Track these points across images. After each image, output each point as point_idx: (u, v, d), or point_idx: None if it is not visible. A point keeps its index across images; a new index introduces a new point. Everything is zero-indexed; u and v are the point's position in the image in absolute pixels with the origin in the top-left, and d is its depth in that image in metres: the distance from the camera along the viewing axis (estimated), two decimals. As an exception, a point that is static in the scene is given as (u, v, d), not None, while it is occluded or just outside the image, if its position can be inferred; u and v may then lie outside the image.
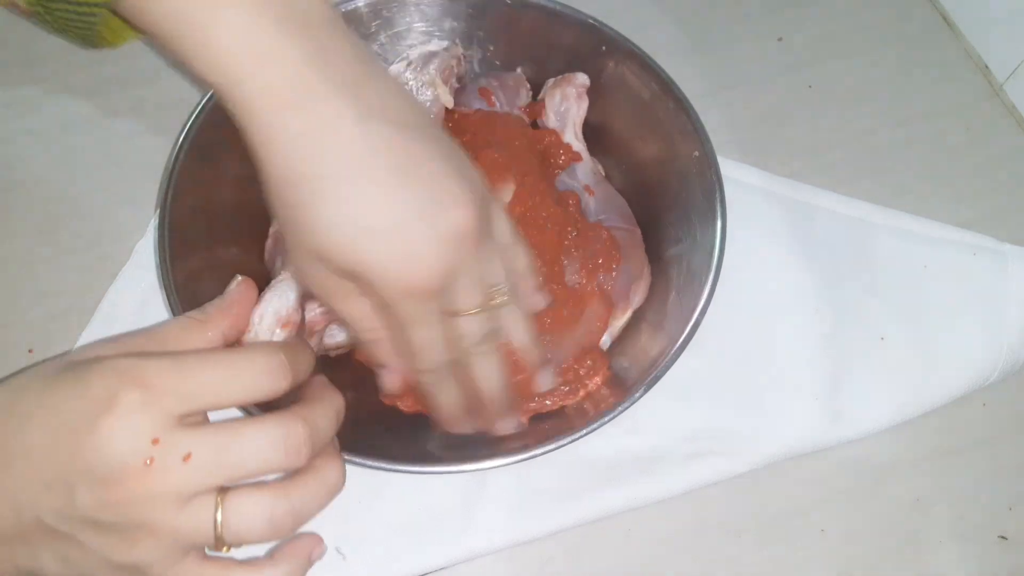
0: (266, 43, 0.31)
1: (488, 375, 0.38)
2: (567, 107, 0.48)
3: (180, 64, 0.33)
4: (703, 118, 0.45)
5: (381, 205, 0.32)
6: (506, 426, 0.41)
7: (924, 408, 0.47)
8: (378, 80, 0.33)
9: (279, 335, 0.38)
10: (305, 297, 0.40)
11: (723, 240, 0.42)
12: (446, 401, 0.39)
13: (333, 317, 0.42)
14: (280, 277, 0.41)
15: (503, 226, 0.38)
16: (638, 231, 0.47)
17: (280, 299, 0.39)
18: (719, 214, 0.43)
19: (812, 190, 0.53)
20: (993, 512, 0.46)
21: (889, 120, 0.57)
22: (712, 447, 0.45)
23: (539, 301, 0.41)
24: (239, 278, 0.38)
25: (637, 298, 0.45)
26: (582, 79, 0.48)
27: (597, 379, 0.43)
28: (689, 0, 0.61)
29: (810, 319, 0.49)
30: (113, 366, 0.30)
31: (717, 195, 0.43)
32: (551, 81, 0.49)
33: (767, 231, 0.51)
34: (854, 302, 0.49)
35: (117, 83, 0.56)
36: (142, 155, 0.53)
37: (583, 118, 0.49)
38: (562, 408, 0.43)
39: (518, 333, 0.39)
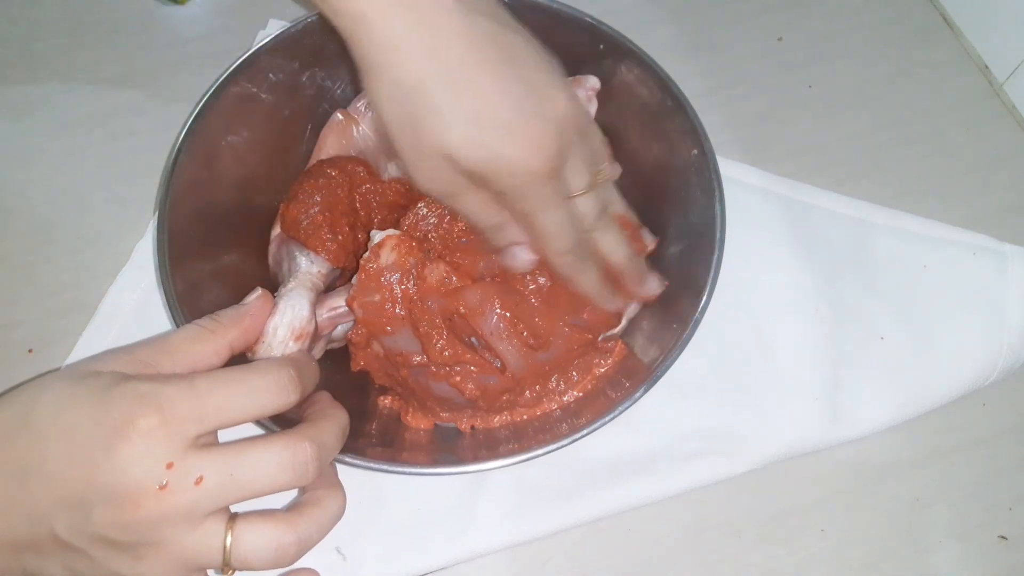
0: None
1: (615, 246, 0.42)
2: None
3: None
4: (703, 118, 0.45)
5: (499, 98, 0.35)
6: (650, 287, 0.44)
7: (924, 408, 0.47)
8: None
9: (292, 347, 0.39)
10: (315, 306, 0.41)
11: (722, 240, 0.42)
12: (589, 279, 0.41)
13: (337, 322, 0.42)
14: (290, 286, 0.41)
15: (584, 111, 0.40)
16: (640, 234, 0.47)
17: (294, 311, 0.39)
18: (718, 213, 0.43)
19: (812, 190, 0.53)
20: (993, 512, 0.46)
21: (889, 120, 0.57)
22: (712, 447, 0.45)
23: (618, 170, 0.43)
24: (259, 291, 0.38)
25: (633, 306, 0.45)
26: (593, 82, 0.48)
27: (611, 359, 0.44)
28: (689, 0, 0.61)
29: (810, 319, 0.49)
30: (132, 390, 0.30)
31: (716, 194, 0.43)
32: None
33: (767, 231, 0.51)
34: (854, 302, 0.49)
35: (117, 83, 0.56)
36: (142, 155, 0.53)
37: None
38: (563, 406, 0.43)
39: (617, 205, 0.43)
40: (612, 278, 0.42)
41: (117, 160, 0.53)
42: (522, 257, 0.41)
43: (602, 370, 0.44)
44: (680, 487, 0.44)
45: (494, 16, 0.36)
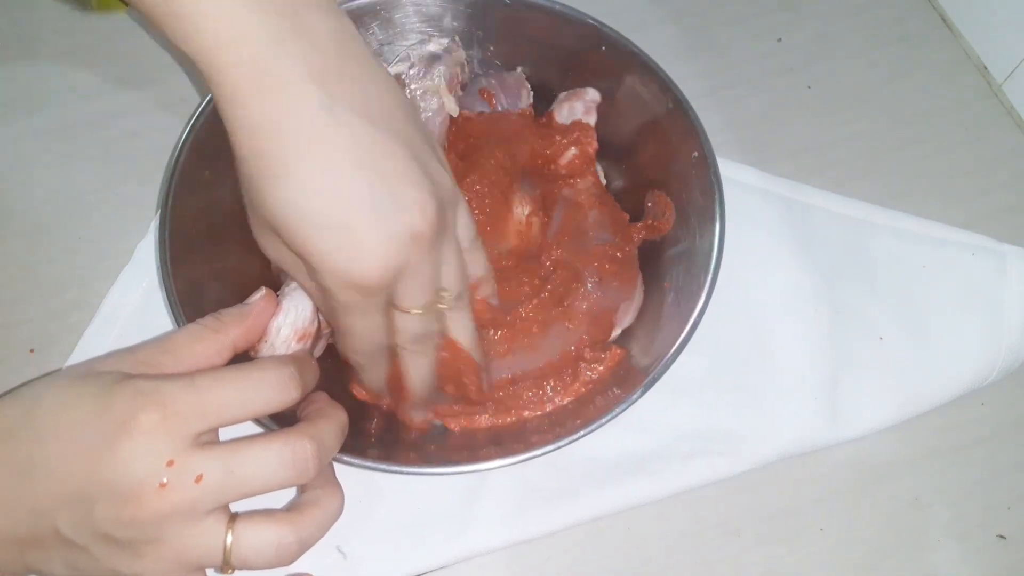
0: (239, 21, 0.30)
1: (416, 373, 0.39)
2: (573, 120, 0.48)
3: (160, 35, 0.33)
4: (703, 118, 0.45)
5: (333, 197, 0.32)
6: (416, 416, 0.42)
7: (923, 408, 0.47)
8: (356, 67, 0.33)
9: (295, 347, 0.39)
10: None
11: (722, 240, 0.42)
12: (368, 380, 0.41)
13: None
14: (293, 285, 0.41)
15: (466, 229, 0.38)
16: (634, 250, 0.47)
17: (297, 311, 0.39)
18: (718, 214, 0.43)
19: (811, 190, 0.53)
20: (992, 511, 0.46)
21: (888, 120, 0.57)
22: (711, 447, 0.45)
23: (493, 303, 0.42)
24: (263, 291, 0.38)
25: (627, 318, 0.45)
26: (592, 95, 0.48)
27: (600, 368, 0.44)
28: (689, 0, 0.61)
29: (809, 319, 0.49)
30: (134, 387, 0.31)
31: (716, 196, 0.43)
32: (563, 94, 0.49)
33: (766, 231, 0.51)
34: (853, 302, 0.49)
35: (117, 83, 0.56)
36: (143, 155, 0.53)
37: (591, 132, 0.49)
38: (562, 407, 0.43)
39: (462, 334, 0.39)
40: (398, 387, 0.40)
41: (119, 161, 0.53)
42: (366, 384, 0.41)
43: (599, 369, 0.44)
44: (679, 487, 0.44)
45: (369, 114, 0.32)
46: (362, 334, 0.36)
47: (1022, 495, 0.46)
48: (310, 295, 0.37)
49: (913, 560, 0.44)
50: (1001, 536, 0.45)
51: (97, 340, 0.47)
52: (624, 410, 0.39)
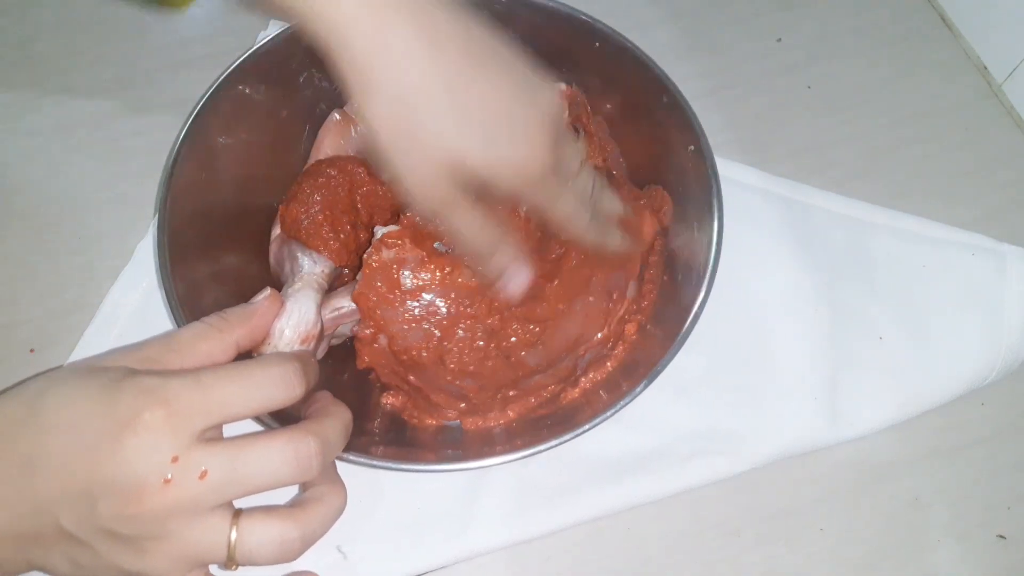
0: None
1: (613, 205, 0.43)
2: None
3: (271, 11, 0.35)
4: (703, 118, 0.45)
5: (497, 101, 0.35)
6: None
7: (923, 408, 0.47)
8: (461, 30, 0.36)
9: (298, 350, 0.39)
10: (321, 307, 0.41)
11: (720, 234, 0.42)
12: (614, 240, 0.43)
13: (339, 322, 0.42)
14: (296, 286, 0.41)
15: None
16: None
17: (301, 314, 0.39)
18: (716, 208, 0.43)
19: (811, 190, 0.53)
20: (992, 511, 0.46)
21: (888, 120, 0.57)
22: (711, 446, 0.45)
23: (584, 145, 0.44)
24: (268, 291, 0.39)
25: (631, 293, 0.45)
26: (562, 87, 0.48)
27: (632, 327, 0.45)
28: (689, 0, 0.61)
29: (809, 319, 0.49)
30: (138, 384, 0.31)
31: (713, 189, 0.43)
32: None
33: (766, 231, 0.51)
34: (853, 302, 0.49)
35: (117, 83, 0.56)
36: (143, 155, 0.53)
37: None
38: (564, 404, 0.43)
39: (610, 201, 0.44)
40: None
41: (118, 160, 0.53)
42: (518, 280, 0.40)
43: (609, 363, 0.44)
44: (679, 486, 0.44)
45: (474, 20, 0.36)
46: (576, 211, 0.40)
47: (1022, 495, 0.46)
48: (478, 239, 0.38)
49: (913, 560, 0.44)
50: (1001, 536, 0.45)
51: (97, 340, 0.47)
52: (624, 406, 0.39)
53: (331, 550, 0.42)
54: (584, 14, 0.47)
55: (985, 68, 0.59)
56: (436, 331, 0.41)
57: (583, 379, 0.44)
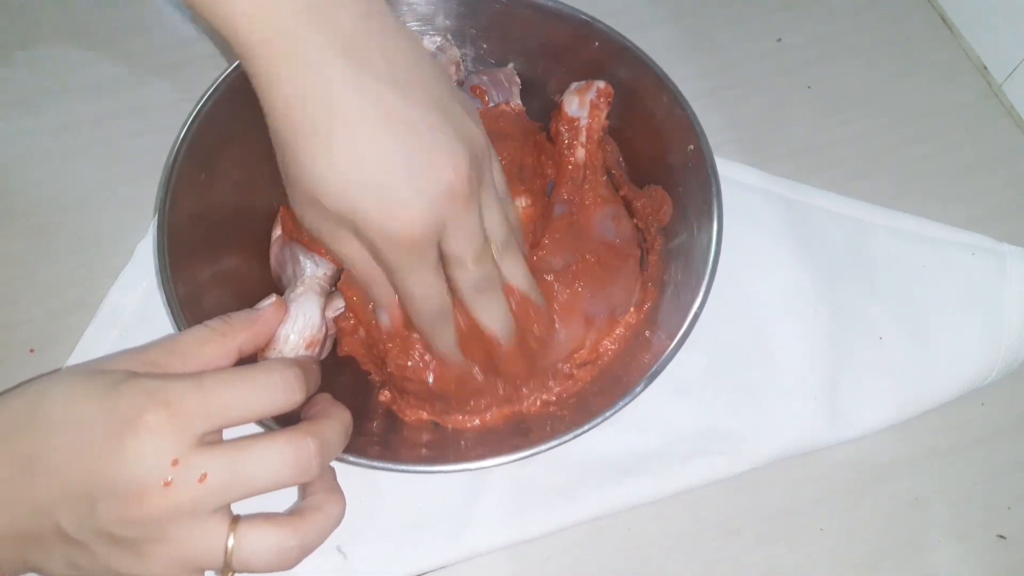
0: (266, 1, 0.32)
1: (491, 314, 0.39)
2: (583, 115, 0.47)
3: (193, 14, 0.34)
4: (703, 119, 0.45)
5: (371, 160, 0.33)
6: (526, 380, 0.42)
7: (922, 408, 0.47)
8: (381, 34, 0.34)
9: (302, 355, 0.39)
10: (326, 311, 0.41)
11: (720, 234, 0.42)
12: (442, 346, 0.40)
13: (341, 323, 0.42)
14: (299, 291, 0.41)
15: (499, 180, 0.39)
16: (633, 253, 0.46)
17: (306, 319, 0.39)
18: (716, 208, 0.43)
19: (811, 190, 0.53)
20: (992, 511, 0.46)
21: (888, 120, 0.57)
22: (711, 446, 0.45)
23: (524, 252, 0.42)
24: (273, 298, 0.39)
25: (620, 324, 0.45)
26: (602, 85, 0.47)
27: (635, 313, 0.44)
28: (689, 0, 0.61)
29: (809, 319, 0.49)
30: (140, 386, 0.31)
31: (713, 188, 0.43)
32: (573, 85, 0.48)
33: (766, 231, 0.51)
34: (853, 302, 0.49)
35: (117, 83, 0.56)
36: (144, 155, 0.53)
37: (602, 128, 0.48)
38: (563, 403, 0.43)
39: (518, 278, 0.40)
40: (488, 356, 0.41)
41: (119, 160, 0.53)
42: (383, 320, 0.40)
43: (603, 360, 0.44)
44: (679, 486, 0.44)
45: (396, 79, 0.34)
46: (423, 295, 0.37)
47: (1022, 495, 0.46)
48: (354, 266, 0.38)
49: (913, 560, 0.44)
50: (1001, 536, 0.45)
51: (97, 340, 0.47)
52: (624, 406, 0.39)
53: (331, 551, 0.42)
54: (584, 14, 0.47)
55: (985, 68, 0.59)
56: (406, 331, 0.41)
57: (579, 380, 0.44)
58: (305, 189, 0.34)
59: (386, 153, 0.33)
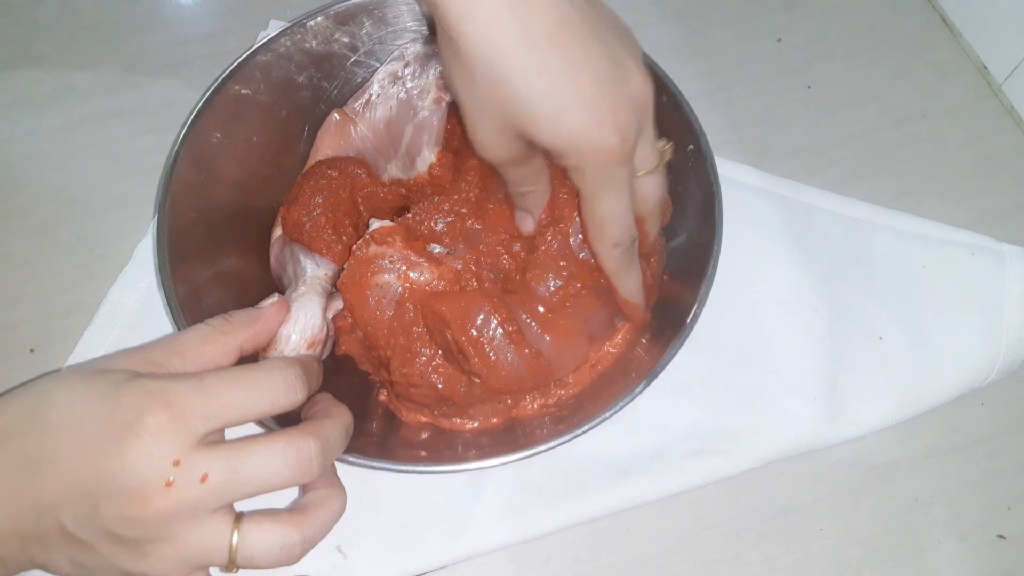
0: None
1: (655, 229, 0.42)
2: None
3: None
4: (702, 118, 0.45)
5: (582, 75, 0.33)
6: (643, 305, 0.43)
7: (922, 408, 0.47)
8: None
9: (304, 355, 0.39)
10: (327, 311, 0.41)
11: (720, 235, 0.42)
12: (634, 280, 0.41)
13: (338, 323, 0.42)
14: (300, 291, 0.41)
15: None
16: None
17: (307, 319, 0.39)
18: (716, 209, 0.43)
19: (811, 190, 0.53)
20: (992, 511, 0.46)
21: (888, 120, 0.57)
22: (711, 446, 0.45)
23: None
24: (275, 297, 0.39)
25: (619, 335, 0.45)
26: None
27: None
28: (688, 1, 0.61)
29: (809, 319, 0.49)
30: (142, 387, 0.31)
31: (714, 189, 0.43)
32: None
33: (766, 231, 0.51)
34: (853, 302, 0.49)
35: (117, 83, 0.56)
36: (142, 155, 0.53)
37: None
38: (564, 403, 0.43)
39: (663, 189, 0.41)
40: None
41: (119, 160, 0.53)
42: (527, 226, 0.41)
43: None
44: (679, 486, 0.44)
45: None
46: (619, 216, 0.37)
47: (1022, 495, 0.46)
48: (524, 182, 0.39)
49: (913, 560, 0.44)
50: (1001, 536, 0.45)
51: (97, 340, 0.47)
52: (624, 406, 0.39)
53: (331, 550, 0.42)
54: None
55: (985, 68, 0.59)
56: (401, 337, 0.41)
57: (578, 383, 0.44)
58: (507, 114, 0.34)
59: (591, 66, 0.34)
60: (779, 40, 0.60)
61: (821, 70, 0.59)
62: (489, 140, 0.36)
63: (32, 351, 0.48)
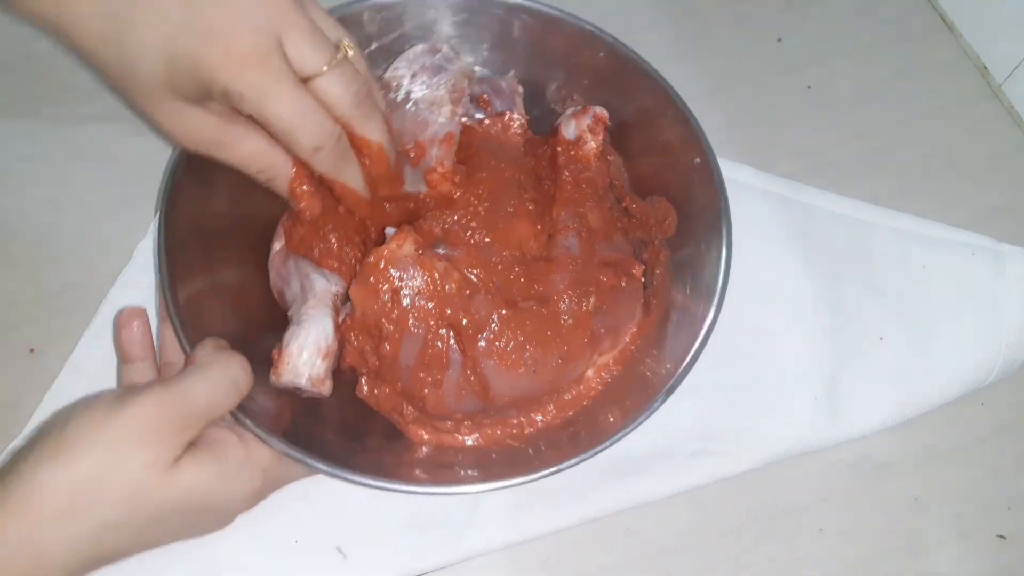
0: None
1: (377, 136, 0.37)
2: (580, 139, 0.47)
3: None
4: (702, 119, 0.45)
5: (186, 13, 0.32)
6: (410, 187, 0.41)
7: (923, 408, 0.47)
8: None
9: (319, 367, 0.39)
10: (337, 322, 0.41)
11: (729, 251, 0.42)
12: (353, 178, 0.38)
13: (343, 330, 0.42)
14: (311, 303, 0.40)
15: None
16: (638, 282, 0.45)
17: (319, 331, 0.39)
18: (724, 224, 0.42)
19: (811, 190, 0.53)
20: (991, 511, 0.46)
21: (888, 121, 0.57)
22: (711, 447, 0.45)
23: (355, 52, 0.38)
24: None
25: (622, 341, 0.45)
26: (599, 111, 0.46)
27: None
28: (689, 1, 0.61)
29: (809, 319, 0.49)
30: None
31: (721, 202, 0.43)
32: (568, 111, 0.48)
33: (766, 232, 0.51)
34: (853, 302, 0.49)
35: (118, 83, 0.56)
36: (144, 156, 0.53)
37: (597, 154, 0.47)
38: (574, 418, 0.43)
39: (374, 132, 0.38)
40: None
41: (119, 161, 0.53)
42: (299, 210, 0.40)
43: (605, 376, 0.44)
44: (680, 487, 0.44)
45: None
46: (300, 117, 0.34)
47: (1022, 495, 0.46)
48: (251, 165, 0.37)
49: (913, 560, 0.44)
50: (1001, 536, 0.45)
51: (97, 340, 0.47)
52: (644, 421, 0.39)
53: (331, 551, 0.42)
54: (589, 24, 0.47)
55: (985, 68, 0.59)
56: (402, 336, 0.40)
57: (584, 397, 0.43)
58: (152, 78, 0.33)
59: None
60: (779, 40, 0.60)
61: (821, 70, 0.59)
62: (168, 120, 0.35)
63: (32, 351, 0.48)
